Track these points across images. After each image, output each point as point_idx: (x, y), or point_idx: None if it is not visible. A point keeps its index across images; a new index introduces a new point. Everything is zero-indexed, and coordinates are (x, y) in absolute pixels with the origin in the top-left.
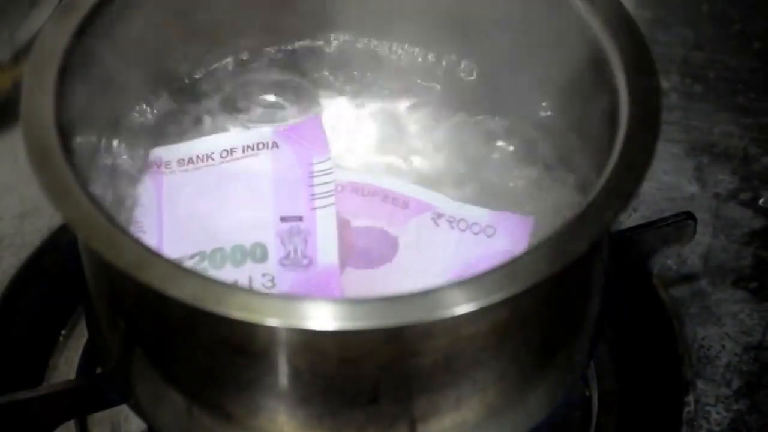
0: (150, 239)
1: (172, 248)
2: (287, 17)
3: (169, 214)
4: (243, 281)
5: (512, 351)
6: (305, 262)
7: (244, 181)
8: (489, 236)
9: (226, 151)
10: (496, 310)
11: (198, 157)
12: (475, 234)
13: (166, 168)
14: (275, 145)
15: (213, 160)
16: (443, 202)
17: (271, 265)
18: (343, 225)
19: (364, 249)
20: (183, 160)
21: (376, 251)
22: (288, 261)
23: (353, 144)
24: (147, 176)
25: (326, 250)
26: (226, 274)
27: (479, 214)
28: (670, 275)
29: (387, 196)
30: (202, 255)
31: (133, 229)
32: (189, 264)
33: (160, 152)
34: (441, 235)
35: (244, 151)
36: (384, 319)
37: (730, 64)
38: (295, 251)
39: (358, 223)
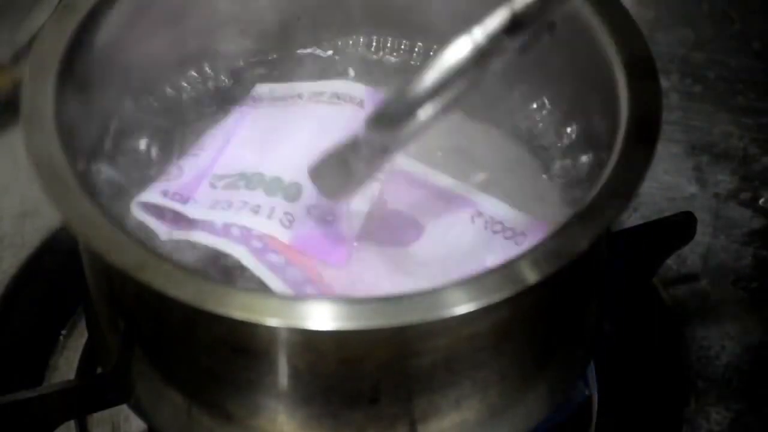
0: (203, 158)
1: (223, 166)
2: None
3: (238, 139)
4: (265, 210)
5: (512, 351)
6: (329, 218)
7: (316, 124)
8: (518, 244)
9: (316, 93)
10: (495, 310)
11: (290, 95)
12: (506, 239)
13: (257, 103)
14: (361, 103)
15: (301, 99)
16: (488, 202)
17: (299, 208)
18: (379, 204)
19: (386, 227)
20: (277, 97)
21: (398, 233)
22: (315, 210)
23: None
24: (236, 108)
25: (351, 222)
26: (255, 197)
27: (516, 219)
28: (670, 275)
29: (433, 191)
30: (243, 176)
31: (191, 149)
32: (228, 182)
33: (261, 89)
34: (470, 234)
35: (330, 98)
36: (384, 320)
37: (729, 64)
38: (326, 205)
39: (394, 206)
